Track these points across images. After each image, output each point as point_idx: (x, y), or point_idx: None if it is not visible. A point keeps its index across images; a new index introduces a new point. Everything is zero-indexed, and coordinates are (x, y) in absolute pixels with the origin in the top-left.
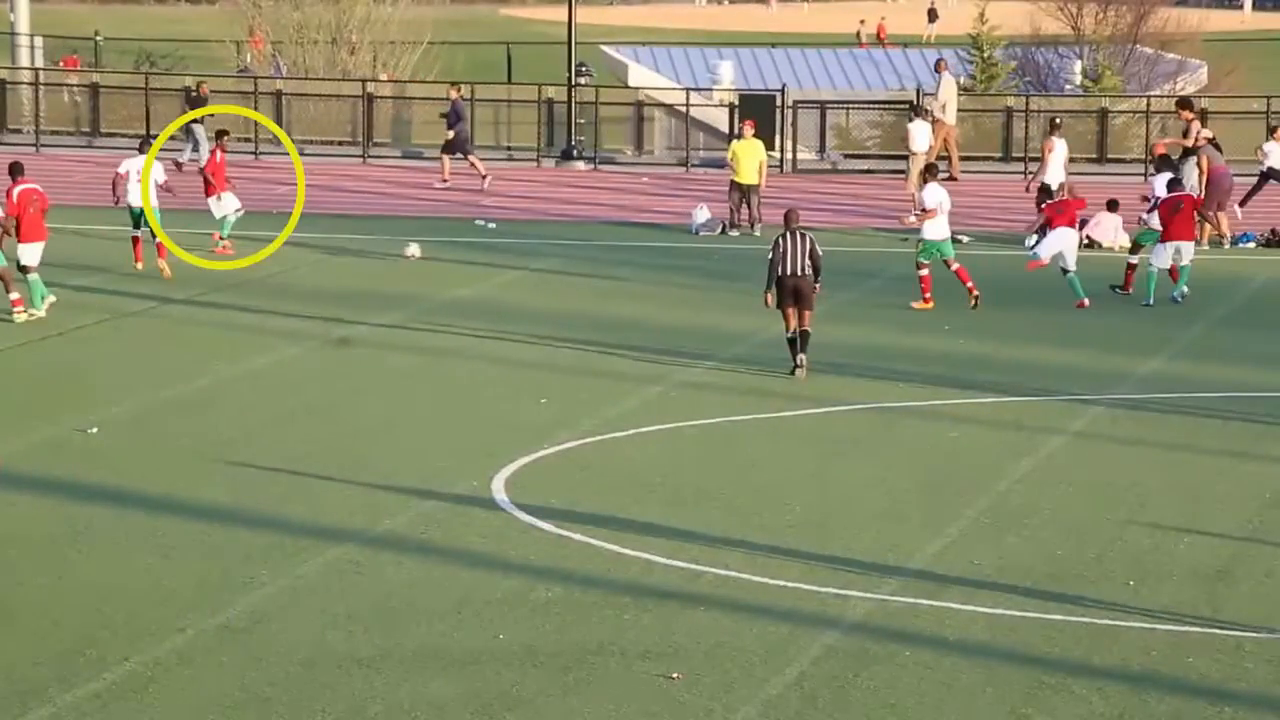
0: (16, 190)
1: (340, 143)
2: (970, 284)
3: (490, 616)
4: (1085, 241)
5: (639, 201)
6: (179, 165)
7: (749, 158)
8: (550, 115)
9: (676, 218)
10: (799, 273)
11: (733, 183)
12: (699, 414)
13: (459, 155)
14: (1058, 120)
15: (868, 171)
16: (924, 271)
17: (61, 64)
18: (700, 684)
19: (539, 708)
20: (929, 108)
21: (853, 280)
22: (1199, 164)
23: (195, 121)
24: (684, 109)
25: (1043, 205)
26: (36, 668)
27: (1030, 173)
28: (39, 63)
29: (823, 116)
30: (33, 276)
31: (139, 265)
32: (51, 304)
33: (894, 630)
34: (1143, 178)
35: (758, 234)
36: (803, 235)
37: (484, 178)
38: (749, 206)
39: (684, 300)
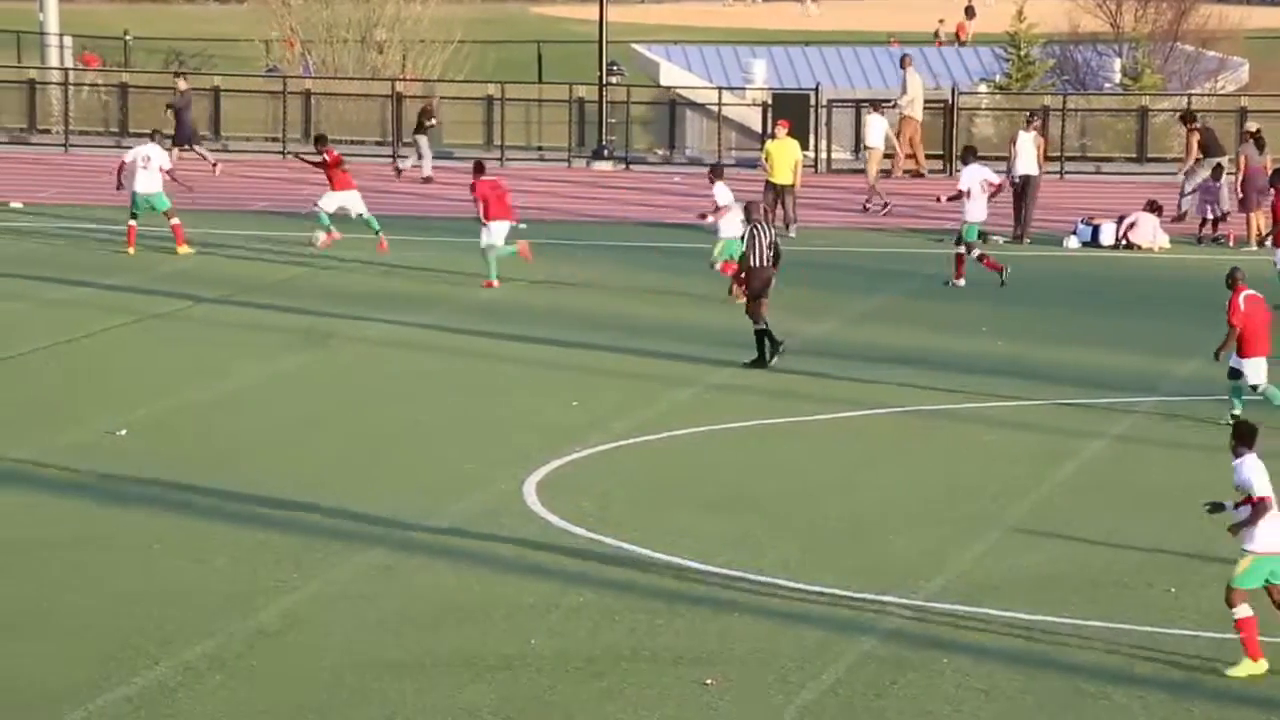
0: None
1: (369, 142)
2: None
3: (522, 621)
4: (1124, 243)
5: (671, 202)
6: (398, 172)
7: (784, 158)
8: (581, 115)
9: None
10: (769, 263)
11: (767, 183)
12: (732, 416)
13: (187, 147)
14: (1029, 114)
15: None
16: (721, 266)
17: (80, 61)
18: (734, 690)
19: (572, 713)
20: (898, 104)
21: (887, 281)
22: (1237, 162)
23: (420, 131)
24: (716, 108)
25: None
26: (67, 672)
27: (1062, 173)
28: (68, 62)
29: (857, 115)
30: None
31: (131, 250)
32: None
33: (931, 636)
34: (1182, 176)
35: (793, 235)
36: (767, 227)
37: (214, 166)
38: (784, 207)
39: (716, 302)
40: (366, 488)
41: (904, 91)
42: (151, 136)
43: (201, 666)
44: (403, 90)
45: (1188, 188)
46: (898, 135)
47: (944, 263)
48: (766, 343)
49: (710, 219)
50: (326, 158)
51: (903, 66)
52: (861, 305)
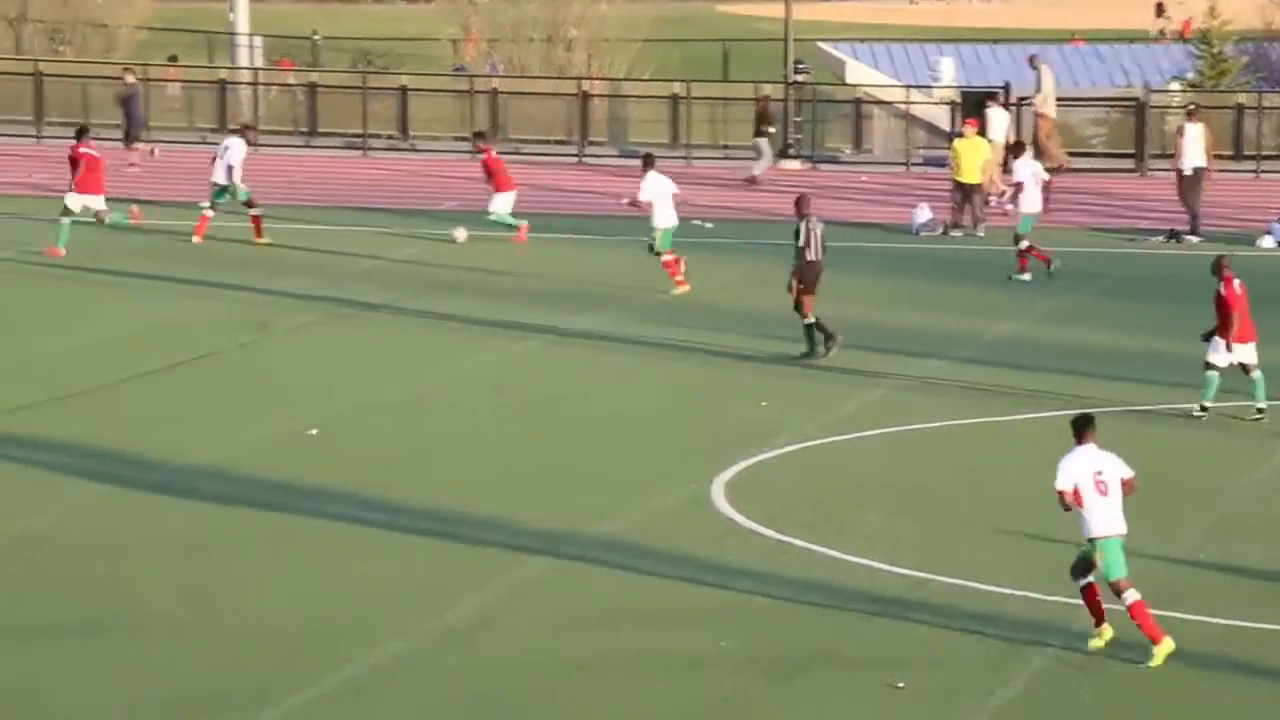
0: None
1: (555, 141)
2: (679, 277)
3: (710, 623)
4: None
5: (858, 201)
6: (752, 180)
7: (971, 157)
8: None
9: (896, 218)
10: (820, 258)
11: (955, 182)
12: (920, 417)
13: (135, 142)
14: (1192, 107)
15: (1093, 170)
16: (667, 258)
17: (279, 65)
18: (925, 693)
19: (761, 716)
20: (1032, 101)
21: (1079, 282)
22: None
23: (760, 135)
24: (904, 107)
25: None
26: (260, 671)
27: (1258, 172)
28: (258, 63)
29: None
30: None
31: (260, 240)
32: None
33: (1124, 640)
34: None
35: (980, 235)
36: (817, 221)
37: (152, 151)
38: (971, 206)
39: (904, 302)
40: (553, 487)
41: (1038, 89)
42: (239, 132)
43: (393, 666)
44: (589, 89)
45: None
46: (1034, 133)
47: (1134, 263)
48: (819, 335)
49: (625, 202)
50: (494, 152)
51: (1032, 66)
52: (1049, 305)
